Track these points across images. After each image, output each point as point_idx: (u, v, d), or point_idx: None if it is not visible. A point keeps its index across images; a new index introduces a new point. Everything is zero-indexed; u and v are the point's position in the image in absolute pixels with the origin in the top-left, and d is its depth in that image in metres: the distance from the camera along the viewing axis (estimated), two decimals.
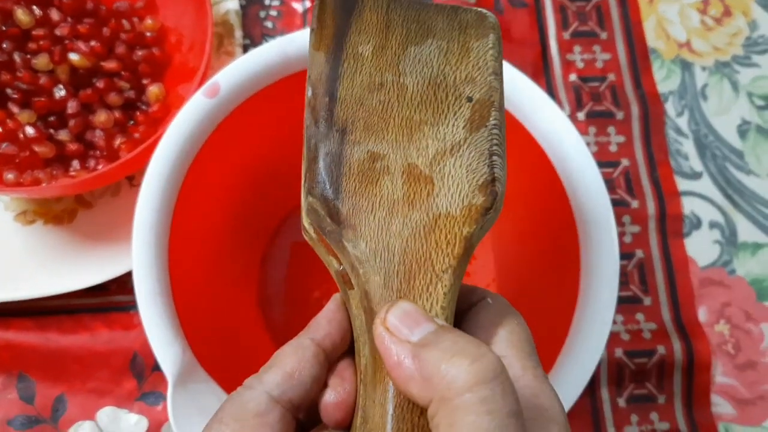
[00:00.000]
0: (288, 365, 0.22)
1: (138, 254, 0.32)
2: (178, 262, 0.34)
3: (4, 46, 0.43)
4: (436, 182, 0.22)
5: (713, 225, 0.50)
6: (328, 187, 0.22)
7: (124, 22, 0.46)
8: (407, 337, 0.19)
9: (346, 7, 0.25)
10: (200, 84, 0.40)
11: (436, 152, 0.23)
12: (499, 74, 0.24)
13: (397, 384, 0.19)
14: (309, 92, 0.24)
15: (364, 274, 0.22)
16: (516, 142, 0.37)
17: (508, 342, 0.22)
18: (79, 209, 0.46)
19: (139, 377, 0.43)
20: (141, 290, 0.32)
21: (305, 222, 0.23)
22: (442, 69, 0.24)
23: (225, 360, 0.37)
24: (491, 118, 0.23)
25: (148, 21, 0.46)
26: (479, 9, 0.26)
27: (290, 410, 0.21)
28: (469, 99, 0.24)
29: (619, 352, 0.46)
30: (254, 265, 0.44)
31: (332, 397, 0.22)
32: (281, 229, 0.46)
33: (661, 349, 0.46)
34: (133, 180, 0.46)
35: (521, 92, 0.36)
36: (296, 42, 0.35)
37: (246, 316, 0.43)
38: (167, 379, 0.31)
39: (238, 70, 0.35)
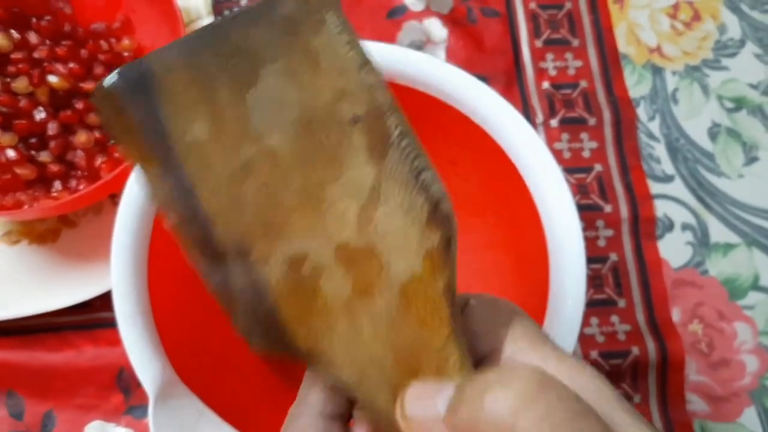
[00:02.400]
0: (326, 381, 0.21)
1: (117, 274, 0.33)
2: (158, 280, 0.35)
3: None
4: (379, 249, 0.18)
5: (685, 227, 0.51)
6: (268, 332, 0.18)
7: (102, 42, 0.47)
8: (434, 411, 0.17)
9: (138, 88, 0.18)
10: None
11: (357, 213, 0.18)
12: (366, 62, 0.19)
13: None
14: (170, 223, 0.18)
15: (364, 397, 0.18)
16: (484, 152, 0.38)
17: (517, 339, 0.19)
18: (63, 228, 0.46)
19: (126, 392, 0.44)
20: (120, 309, 0.33)
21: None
22: (303, 101, 0.18)
23: (209, 374, 0.38)
24: (391, 129, 0.18)
25: (126, 41, 0.47)
26: None
27: (341, 421, 0.21)
28: (355, 120, 0.18)
29: (594, 354, 0.47)
30: None
31: None
32: None
33: (635, 350, 0.47)
34: (116, 198, 0.47)
35: (487, 105, 0.37)
36: None
37: (231, 331, 0.44)
38: (148, 396, 0.32)
39: None
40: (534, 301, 0.37)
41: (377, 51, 0.33)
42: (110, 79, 0.18)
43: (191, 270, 0.40)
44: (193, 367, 0.36)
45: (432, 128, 0.38)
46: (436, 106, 0.37)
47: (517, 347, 0.19)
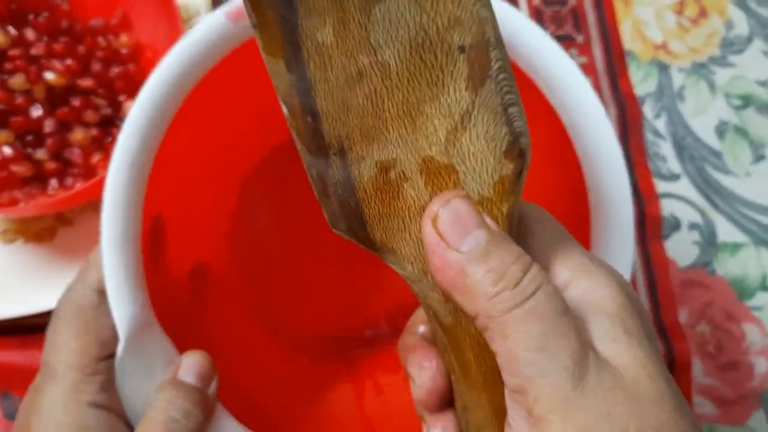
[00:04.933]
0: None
1: (111, 190, 0.30)
2: (155, 191, 0.32)
3: None
4: (458, 168, 0.20)
5: (692, 226, 0.50)
6: (351, 221, 0.21)
7: (100, 39, 0.46)
8: (456, 245, 0.19)
9: None
10: None
11: (447, 132, 0.20)
12: None
13: (439, 285, 0.20)
14: (285, 111, 0.20)
15: (420, 291, 0.21)
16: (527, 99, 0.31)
17: (539, 244, 0.21)
18: (59, 227, 0.46)
19: None
20: (107, 237, 0.30)
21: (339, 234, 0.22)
22: (419, 21, 0.20)
23: (185, 309, 0.35)
24: (492, 62, 0.20)
25: (123, 37, 0.47)
26: None
27: None
28: (461, 49, 0.20)
29: None
30: (233, 194, 0.42)
31: (421, 391, 0.23)
32: (268, 161, 0.43)
33: None
34: None
35: (520, 35, 0.28)
36: None
37: (215, 250, 0.41)
38: (119, 338, 0.28)
39: None
40: None
41: None
42: None
43: (193, 182, 0.36)
44: (174, 303, 0.33)
45: None
46: None
47: (549, 250, 0.21)
